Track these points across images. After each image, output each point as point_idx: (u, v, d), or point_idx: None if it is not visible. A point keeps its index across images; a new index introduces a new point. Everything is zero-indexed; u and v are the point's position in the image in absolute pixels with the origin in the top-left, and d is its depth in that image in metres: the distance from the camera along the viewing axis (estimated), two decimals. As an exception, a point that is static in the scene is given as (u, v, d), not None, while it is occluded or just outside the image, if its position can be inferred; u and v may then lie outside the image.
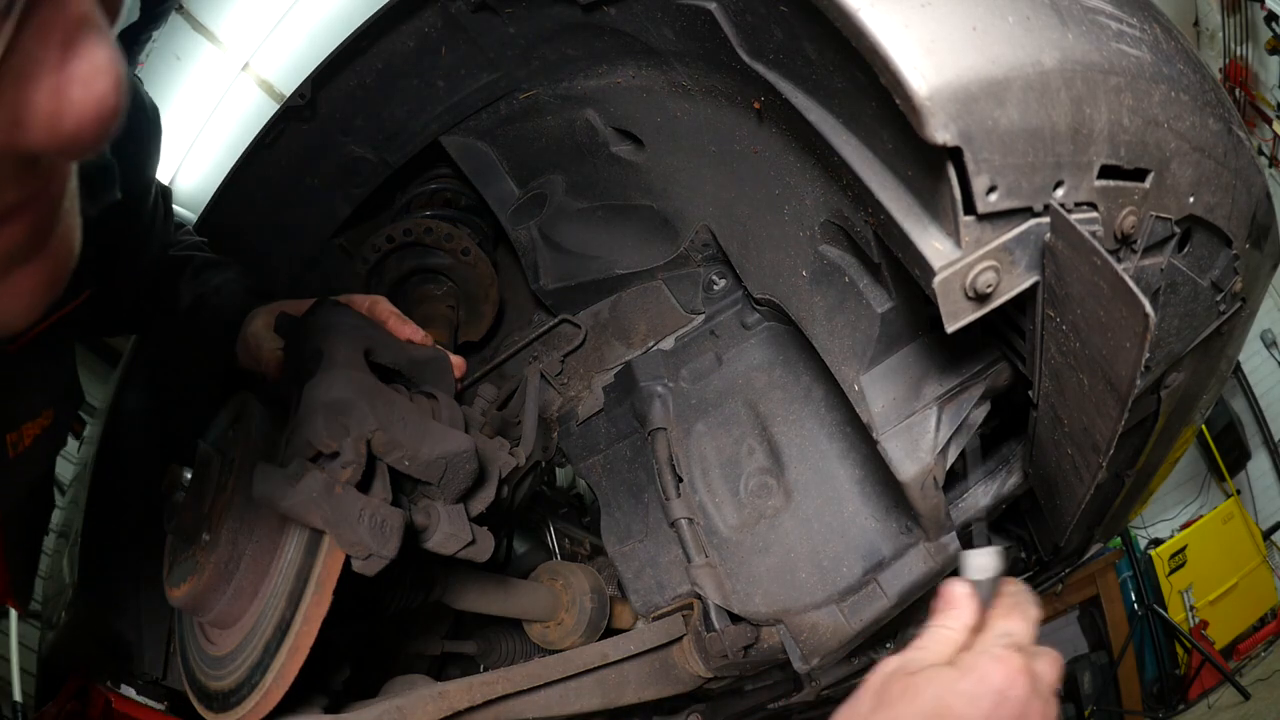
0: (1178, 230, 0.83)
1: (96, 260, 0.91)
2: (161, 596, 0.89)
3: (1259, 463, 6.10)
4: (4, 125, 0.38)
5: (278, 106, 1.38)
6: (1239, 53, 5.47)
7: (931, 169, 0.68)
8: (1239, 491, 6.09)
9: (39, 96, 0.38)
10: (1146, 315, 0.60)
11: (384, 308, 1.07)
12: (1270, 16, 5.04)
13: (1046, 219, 0.70)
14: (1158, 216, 0.79)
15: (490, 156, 1.46)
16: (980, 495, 1.26)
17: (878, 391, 1.02)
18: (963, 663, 0.76)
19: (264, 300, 1.16)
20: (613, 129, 1.28)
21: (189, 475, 0.86)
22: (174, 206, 1.28)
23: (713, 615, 1.26)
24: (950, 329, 0.72)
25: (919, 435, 1.00)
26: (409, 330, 1.06)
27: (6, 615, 2.18)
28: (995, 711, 0.73)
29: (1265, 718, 4.91)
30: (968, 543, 1.12)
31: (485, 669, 1.35)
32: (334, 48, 1.30)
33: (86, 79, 0.39)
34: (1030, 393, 0.92)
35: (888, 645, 1.54)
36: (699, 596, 1.28)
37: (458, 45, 1.26)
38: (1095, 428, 0.78)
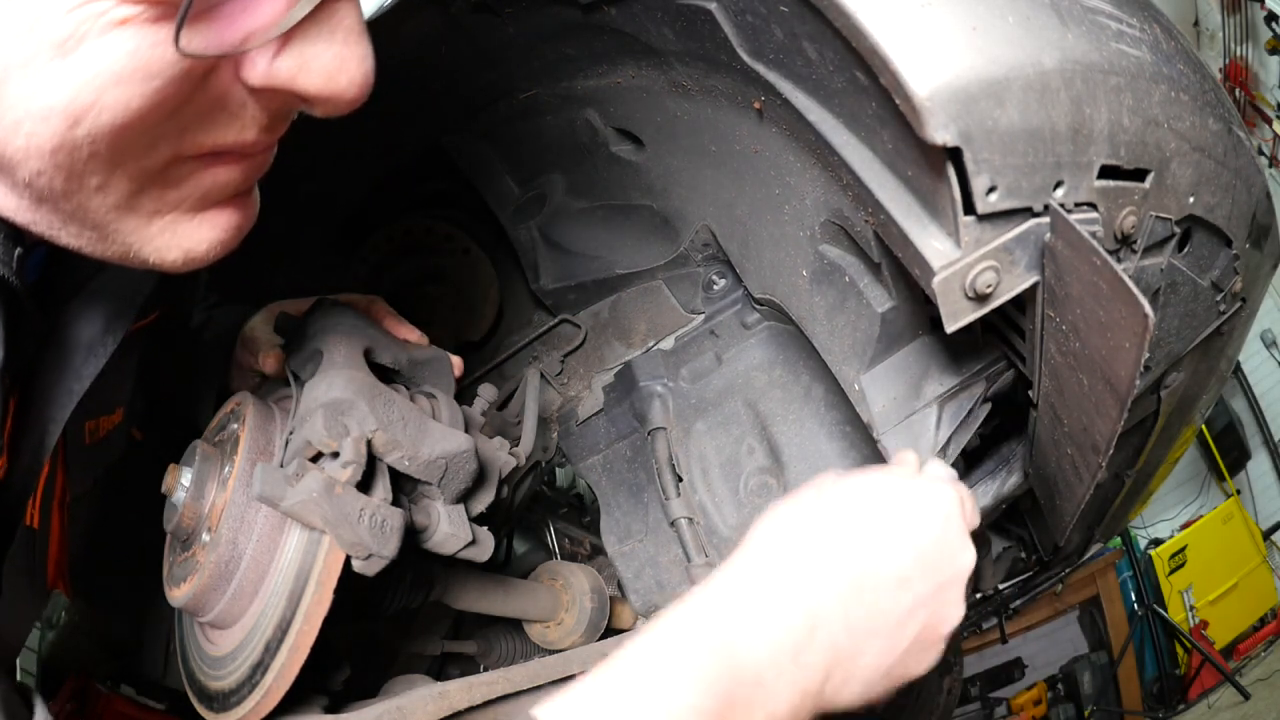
0: (1178, 230, 0.83)
1: (171, 288, 1.01)
2: (161, 596, 0.89)
3: (1259, 463, 6.10)
4: (292, 67, 0.52)
5: (278, 106, 1.38)
6: (1239, 53, 5.48)
7: (931, 169, 0.68)
8: (1239, 491, 6.09)
9: (325, 56, 0.53)
10: (1146, 315, 0.60)
11: (381, 308, 1.08)
12: (1270, 16, 5.04)
13: (1046, 219, 0.70)
14: (1158, 216, 0.79)
15: (490, 156, 1.46)
16: (980, 495, 1.27)
17: (878, 391, 1.02)
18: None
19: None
20: (613, 129, 1.28)
21: (189, 475, 0.86)
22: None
23: (713, 615, 1.26)
24: (950, 329, 0.72)
25: (919, 434, 1.00)
26: (405, 330, 1.06)
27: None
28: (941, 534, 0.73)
29: (1265, 718, 4.92)
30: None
31: (485, 669, 1.35)
32: (334, 48, 1.30)
33: (362, 58, 0.55)
34: (1030, 393, 0.92)
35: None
36: (699, 596, 1.28)
37: (458, 45, 1.26)
38: (1095, 428, 0.78)
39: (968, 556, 0.73)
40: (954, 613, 0.72)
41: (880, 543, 0.70)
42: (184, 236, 0.58)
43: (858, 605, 0.67)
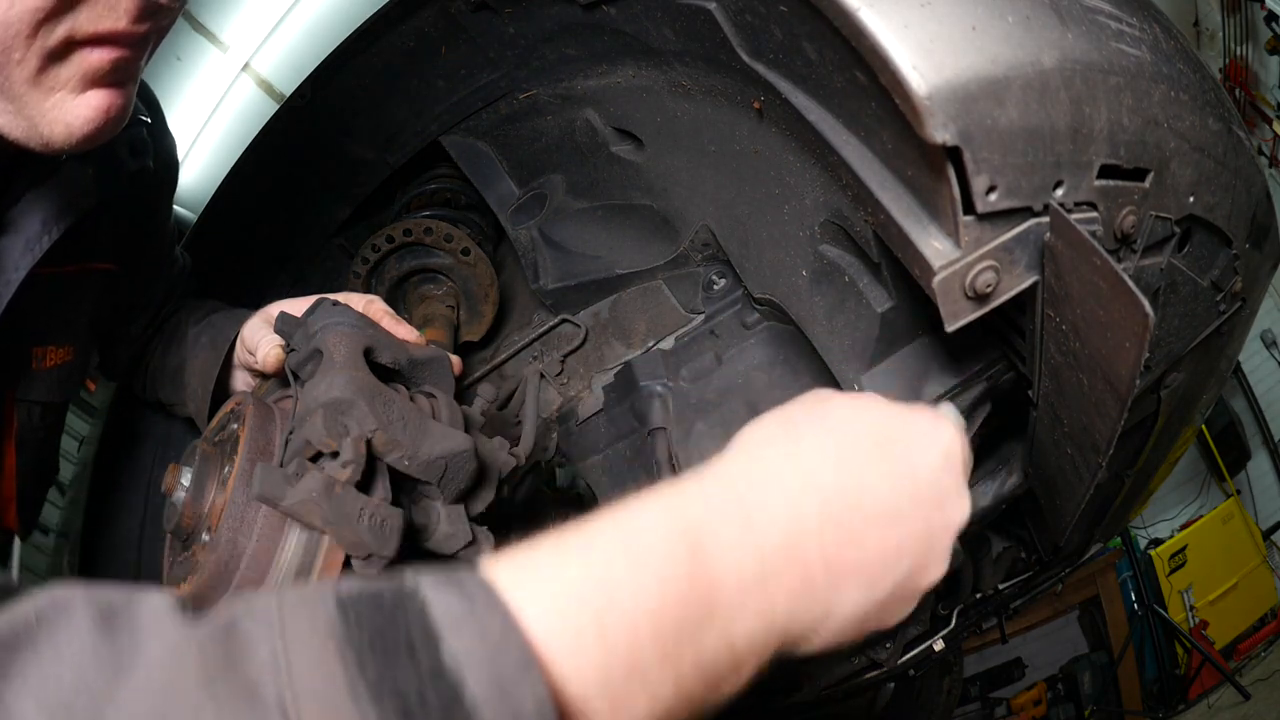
0: (1177, 230, 0.83)
1: (124, 239, 1.13)
2: (161, 596, 0.89)
3: (1259, 463, 6.10)
4: None
5: (278, 106, 1.38)
6: (1239, 53, 5.47)
7: (931, 169, 0.68)
8: (1239, 491, 6.09)
9: None
10: (1146, 315, 0.60)
11: (378, 308, 1.08)
12: (1270, 16, 5.04)
13: (1046, 219, 0.70)
14: (1157, 216, 0.79)
15: (490, 156, 1.46)
16: (980, 495, 1.26)
17: (878, 391, 1.02)
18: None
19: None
20: (613, 129, 1.28)
21: (189, 475, 0.86)
22: (173, 206, 1.30)
23: (713, 615, 1.26)
24: (950, 328, 0.72)
25: (919, 435, 1.00)
26: (403, 330, 1.06)
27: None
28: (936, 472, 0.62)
29: (1265, 718, 4.91)
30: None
31: (485, 669, 1.34)
32: (334, 48, 1.30)
33: None
34: (1030, 393, 0.92)
35: (887, 645, 1.54)
36: (699, 596, 1.28)
37: (458, 45, 1.26)
38: (1095, 427, 0.78)
39: (963, 506, 0.64)
40: (938, 567, 0.63)
41: (875, 467, 0.61)
42: (67, 112, 0.75)
43: (842, 537, 0.58)
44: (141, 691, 0.34)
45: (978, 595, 1.88)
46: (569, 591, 0.44)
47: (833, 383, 1.09)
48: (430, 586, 0.40)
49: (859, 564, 0.58)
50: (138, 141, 1.12)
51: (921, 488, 0.61)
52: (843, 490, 0.59)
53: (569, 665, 0.40)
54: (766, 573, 0.53)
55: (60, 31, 0.70)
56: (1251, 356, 5.96)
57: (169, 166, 1.24)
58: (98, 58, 0.74)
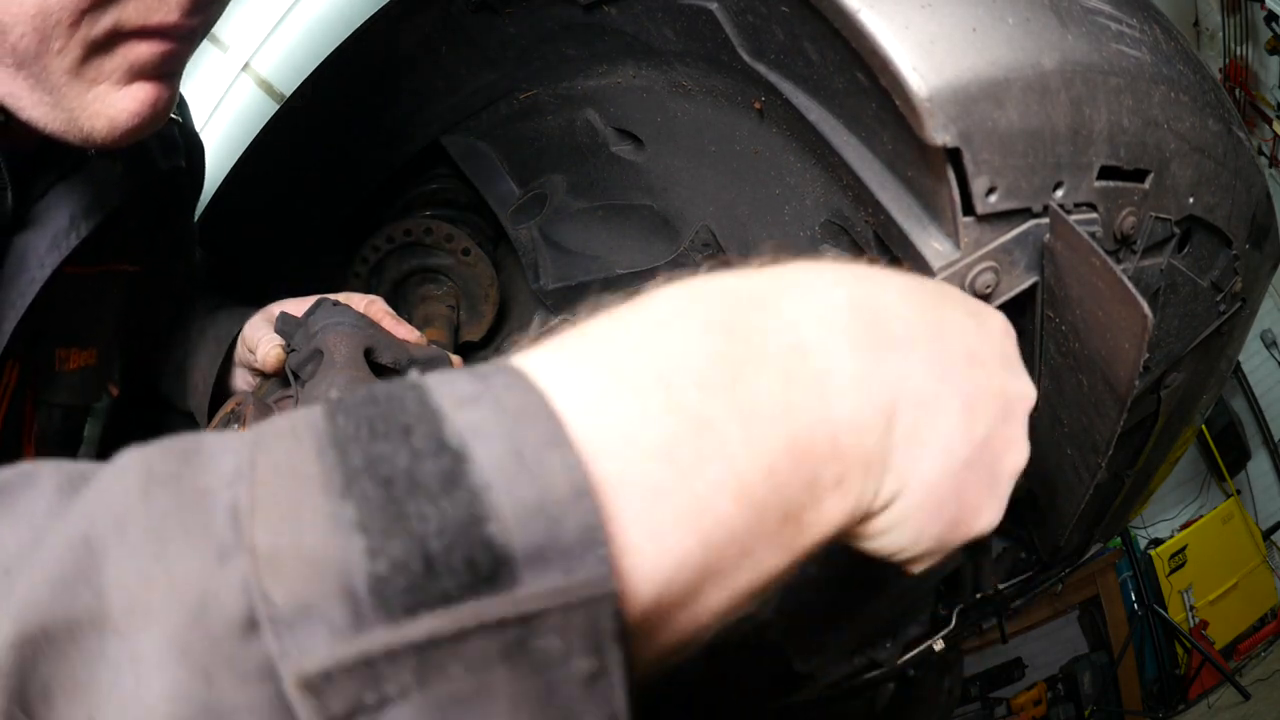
0: (1177, 231, 0.83)
1: (150, 240, 1.09)
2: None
3: (1259, 463, 6.09)
4: None
5: (278, 106, 1.39)
6: (1239, 53, 5.47)
7: (931, 170, 0.68)
8: (1239, 491, 6.09)
9: None
10: (1145, 316, 0.60)
11: (379, 308, 1.08)
12: (1270, 16, 5.04)
13: (1046, 220, 0.70)
14: (1157, 217, 0.79)
15: (490, 156, 1.46)
16: (980, 495, 1.26)
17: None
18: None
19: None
20: (613, 129, 1.28)
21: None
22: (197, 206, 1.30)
23: (712, 615, 1.26)
24: (950, 329, 0.72)
25: (919, 435, 1.00)
26: (404, 331, 1.06)
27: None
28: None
29: (1265, 718, 4.92)
30: None
31: (485, 669, 1.35)
32: (334, 48, 1.30)
33: None
34: (1030, 393, 0.92)
35: (887, 644, 1.55)
36: (699, 596, 1.28)
37: (458, 45, 1.27)
38: (1095, 428, 0.78)
39: (1031, 386, 0.55)
40: (1020, 449, 0.54)
41: (950, 308, 0.51)
42: (111, 105, 0.71)
43: (934, 344, 0.47)
44: (75, 518, 0.29)
45: (978, 595, 1.88)
46: (619, 354, 0.36)
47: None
48: (438, 376, 0.33)
49: (949, 387, 0.47)
50: (170, 140, 1.08)
51: (994, 343, 0.53)
52: (924, 312, 0.48)
53: (613, 430, 0.32)
54: (868, 339, 0.44)
55: (106, 22, 0.66)
56: (1251, 356, 5.95)
57: (199, 166, 1.22)
58: (145, 50, 0.70)
